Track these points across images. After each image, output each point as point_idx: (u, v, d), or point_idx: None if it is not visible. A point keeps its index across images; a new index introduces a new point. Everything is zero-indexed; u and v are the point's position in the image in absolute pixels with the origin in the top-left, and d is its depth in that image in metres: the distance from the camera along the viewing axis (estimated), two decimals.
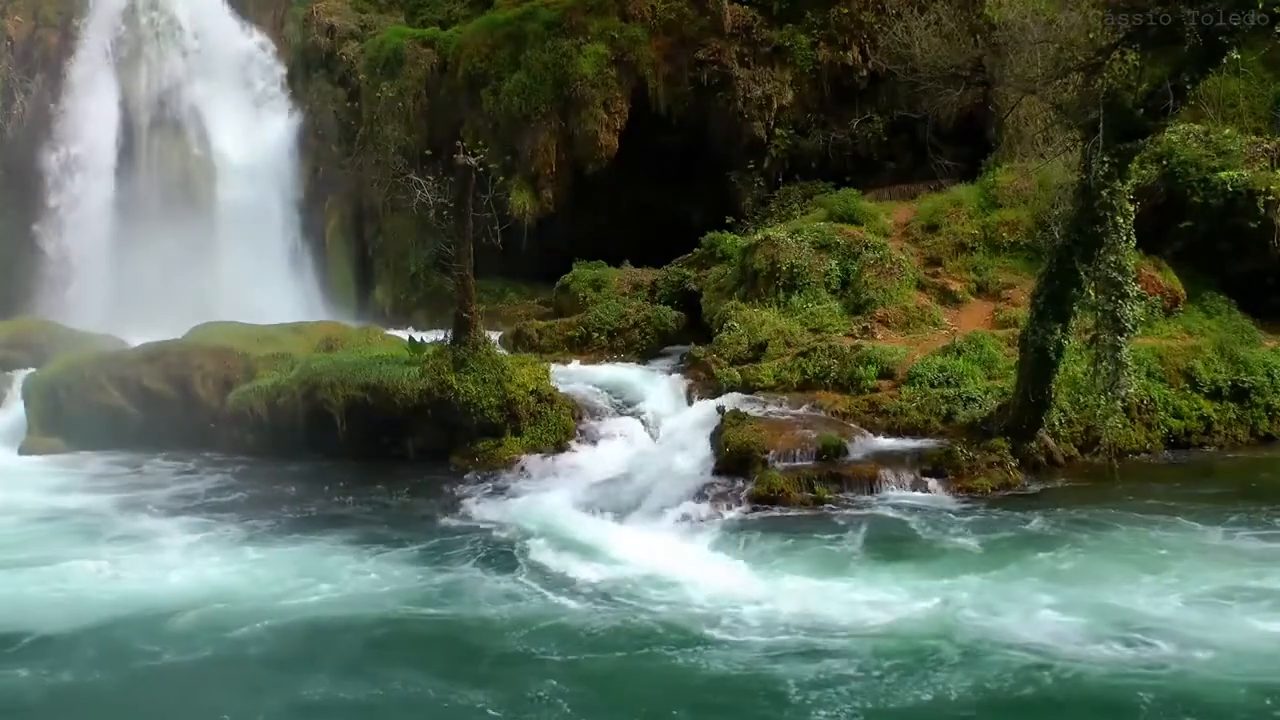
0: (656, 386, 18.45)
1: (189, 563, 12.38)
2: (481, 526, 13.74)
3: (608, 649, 9.96)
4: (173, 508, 14.62)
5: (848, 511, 13.82)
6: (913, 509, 13.80)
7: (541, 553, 12.56)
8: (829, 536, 12.89)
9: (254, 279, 25.91)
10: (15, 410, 18.90)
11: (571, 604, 11.04)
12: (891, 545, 12.58)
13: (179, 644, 10.13)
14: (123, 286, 26.18)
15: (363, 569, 12.13)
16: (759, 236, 20.82)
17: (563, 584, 11.62)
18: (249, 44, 29.17)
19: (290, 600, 11.17)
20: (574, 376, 18.95)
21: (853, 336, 18.60)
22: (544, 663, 9.73)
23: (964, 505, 13.97)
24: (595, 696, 9.12)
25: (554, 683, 9.29)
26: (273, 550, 12.79)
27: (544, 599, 11.21)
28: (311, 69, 29.12)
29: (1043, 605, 10.64)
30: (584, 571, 11.92)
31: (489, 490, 15.20)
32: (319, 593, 11.40)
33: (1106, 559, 11.91)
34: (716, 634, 10.22)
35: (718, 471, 14.93)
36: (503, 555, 12.62)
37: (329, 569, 12.09)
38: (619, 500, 14.32)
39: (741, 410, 16.05)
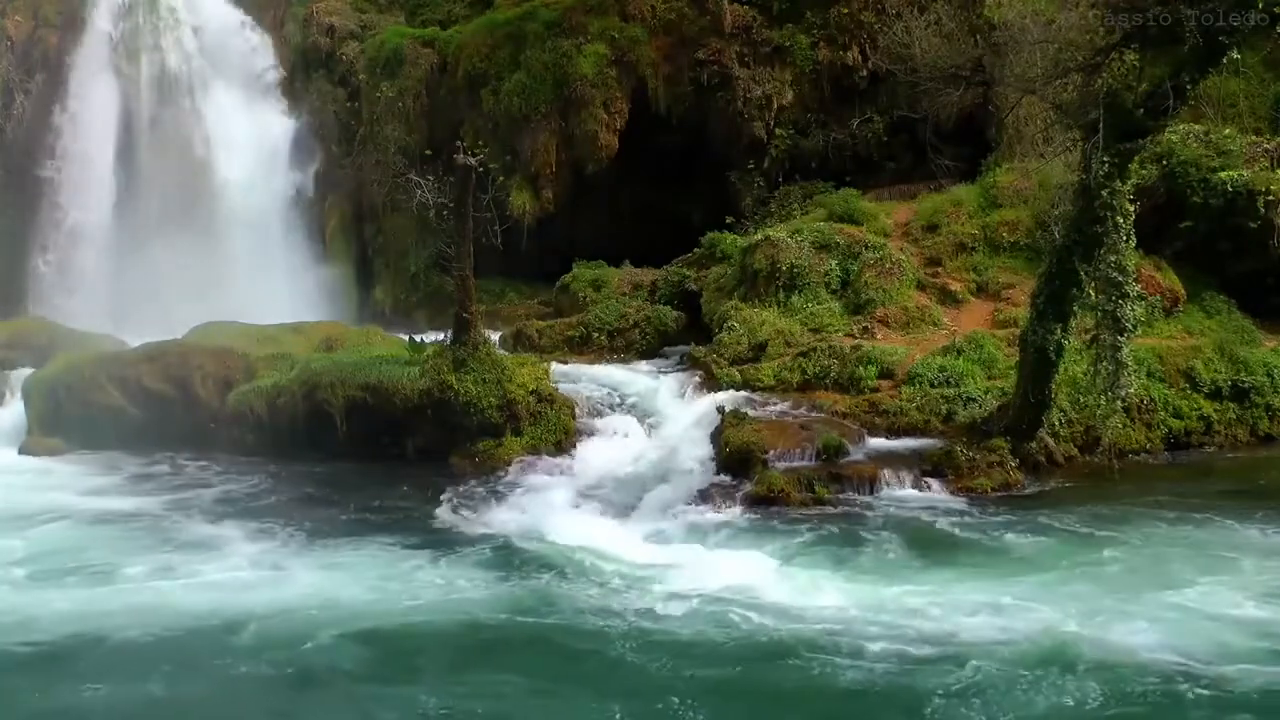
0: (656, 386, 18.44)
1: (248, 568, 12.17)
2: (483, 528, 13.72)
3: (664, 655, 9.77)
4: (218, 512, 14.42)
5: (852, 511, 13.82)
6: (915, 509, 13.80)
7: (548, 554, 12.51)
8: (849, 535, 12.90)
9: (254, 279, 25.92)
10: (15, 410, 18.88)
11: (604, 609, 10.84)
12: (922, 547, 12.50)
13: (256, 654, 9.83)
14: (123, 286, 26.20)
15: (393, 574, 11.99)
16: (759, 236, 20.82)
17: (580, 586, 11.48)
18: (250, 44, 29.18)
19: (339, 609, 11.00)
20: (574, 376, 18.94)
21: (853, 336, 18.60)
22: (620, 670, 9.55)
23: (969, 505, 13.97)
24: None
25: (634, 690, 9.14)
26: (319, 556, 12.60)
27: (563, 602, 11.06)
28: (311, 69, 29.14)
29: (1111, 608, 10.54)
30: (600, 575, 11.79)
31: (490, 491, 15.16)
32: (365, 599, 11.22)
33: (1152, 558, 11.86)
34: (812, 641, 9.95)
35: (718, 471, 14.94)
36: (507, 556, 12.59)
37: (364, 575, 11.94)
38: (620, 500, 14.31)
39: (741, 410, 16.05)
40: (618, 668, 9.64)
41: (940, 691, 8.93)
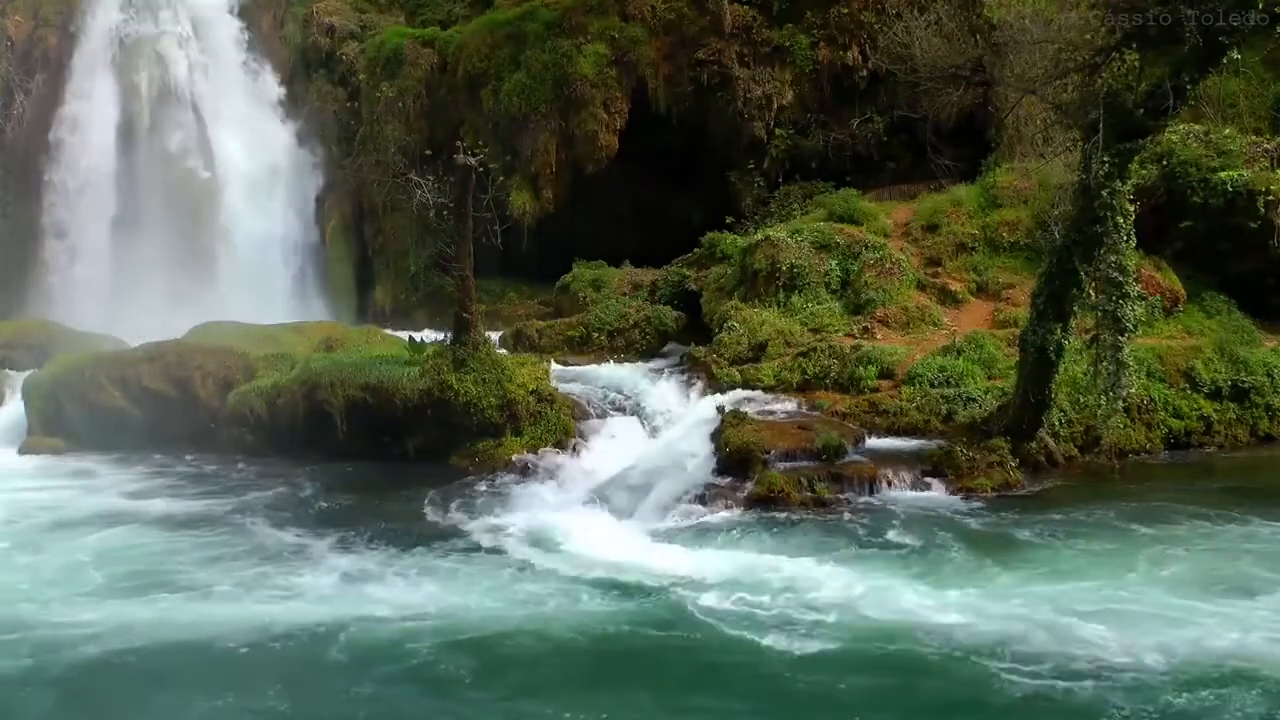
0: (656, 386, 18.43)
1: (317, 575, 11.99)
2: (482, 528, 13.72)
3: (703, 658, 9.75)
4: (278, 518, 14.17)
5: (852, 511, 13.80)
6: (915, 509, 13.78)
7: (557, 557, 12.47)
8: (850, 536, 12.90)
9: (254, 278, 25.94)
10: (15, 410, 18.89)
11: (625, 613, 10.74)
12: (922, 546, 12.49)
13: (358, 665, 9.68)
14: (123, 286, 26.21)
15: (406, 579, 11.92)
16: (759, 236, 20.82)
17: (597, 591, 11.41)
18: (250, 44, 29.19)
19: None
20: (574, 376, 18.94)
21: (853, 336, 18.60)
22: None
23: (969, 505, 13.95)
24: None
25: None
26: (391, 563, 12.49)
27: (570, 607, 10.98)
28: (311, 69, 29.15)
29: (1108, 606, 10.50)
30: (612, 577, 11.70)
31: (490, 491, 15.16)
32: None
33: (1152, 558, 11.84)
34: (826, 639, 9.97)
35: (718, 471, 14.92)
36: (508, 558, 12.58)
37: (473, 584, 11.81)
38: (620, 501, 14.28)
39: (741, 410, 16.05)
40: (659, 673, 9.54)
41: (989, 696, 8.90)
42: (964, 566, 11.81)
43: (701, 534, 13.17)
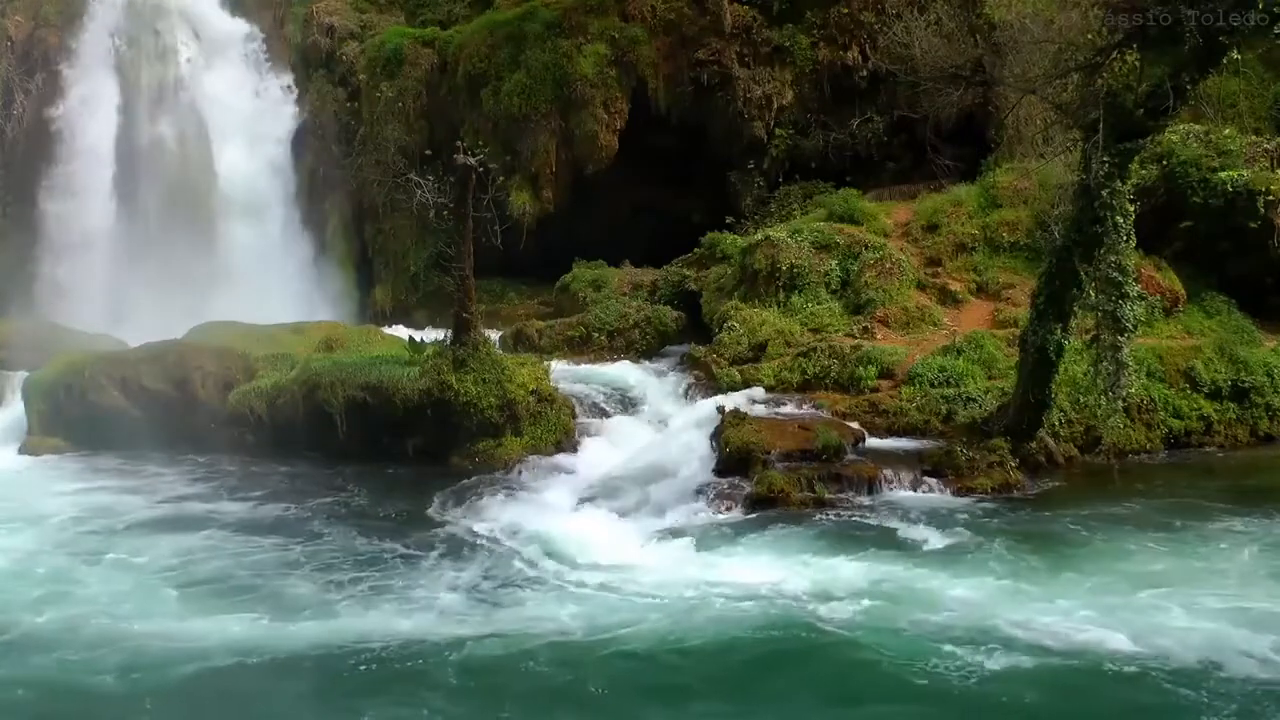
0: (656, 387, 18.45)
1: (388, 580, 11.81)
2: (481, 529, 13.71)
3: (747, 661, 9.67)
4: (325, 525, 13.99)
5: (852, 511, 13.81)
6: (915, 509, 13.77)
7: (563, 558, 12.42)
8: (850, 535, 12.89)
9: (253, 279, 25.91)
10: (15, 410, 18.89)
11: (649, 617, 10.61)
12: (923, 546, 12.52)
13: (481, 675, 9.56)
14: (123, 286, 26.18)
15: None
16: (759, 236, 20.82)
17: (613, 595, 11.36)
18: (249, 44, 29.18)
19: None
20: (574, 376, 18.94)
21: (853, 336, 18.60)
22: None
23: (969, 505, 13.95)
24: None
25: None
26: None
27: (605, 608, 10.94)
28: (311, 69, 29.12)
29: (1104, 605, 10.55)
30: (626, 582, 11.64)
31: (490, 491, 15.14)
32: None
33: (1153, 558, 11.91)
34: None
35: (718, 471, 14.92)
36: (514, 561, 12.58)
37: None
38: (620, 501, 14.28)
39: (741, 410, 16.04)
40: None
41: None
42: (966, 565, 11.80)
43: (701, 535, 13.14)
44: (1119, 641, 9.73)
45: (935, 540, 12.65)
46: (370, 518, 14.24)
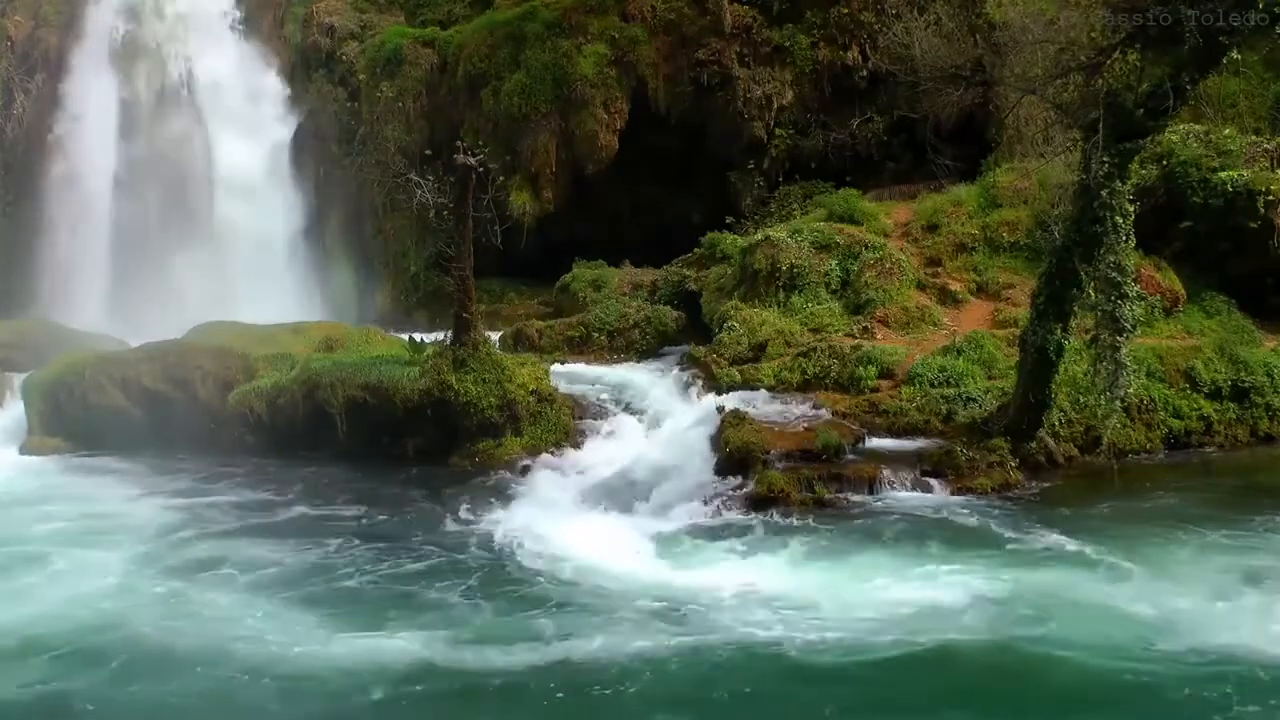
0: (656, 386, 18.44)
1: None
2: (481, 529, 13.73)
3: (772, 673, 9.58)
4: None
5: (852, 511, 13.80)
6: (915, 509, 13.76)
7: (568, 560, 12.39)
8: (851, 536, 12.85)
9: (254, 279, 25.92)
10: (15, 410, 18.89)
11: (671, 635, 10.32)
12: (923, 546, 12.49)
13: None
14: (123, 286, 26.21)
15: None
16: (759, 236, 20.82)
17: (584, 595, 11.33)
18: (249, 45, 29.19)
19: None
20: (574, 376, 18.94)
21: (853, 336, 18.59)
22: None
23: (969, 505, 13.92)
24: None
25: None
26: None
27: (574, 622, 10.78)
28: (311, 69, 29.14)
29: (1105, 603, 10.56)
30: (636, 590, 11.48)
31: (490, 491, 15.14)
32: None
33: (1151, 557, 11.88)
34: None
35: (718, 472, 14.90)
36: (517, 561, 12.57)
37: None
38: (620, 501, 14.28)
39: (741, 410, 16.04)
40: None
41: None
42: (966, 565, 11.79)
43: (701, 535, 13.15)
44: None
45: (929, 541, 12.62)
46: (371, 519, 14.23)
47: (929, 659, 9.66)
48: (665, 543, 12.89)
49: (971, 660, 9.62)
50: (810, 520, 13.47)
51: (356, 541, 13.23)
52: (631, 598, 11.18)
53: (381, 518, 14.27)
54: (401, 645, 10.21)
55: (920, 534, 12.89)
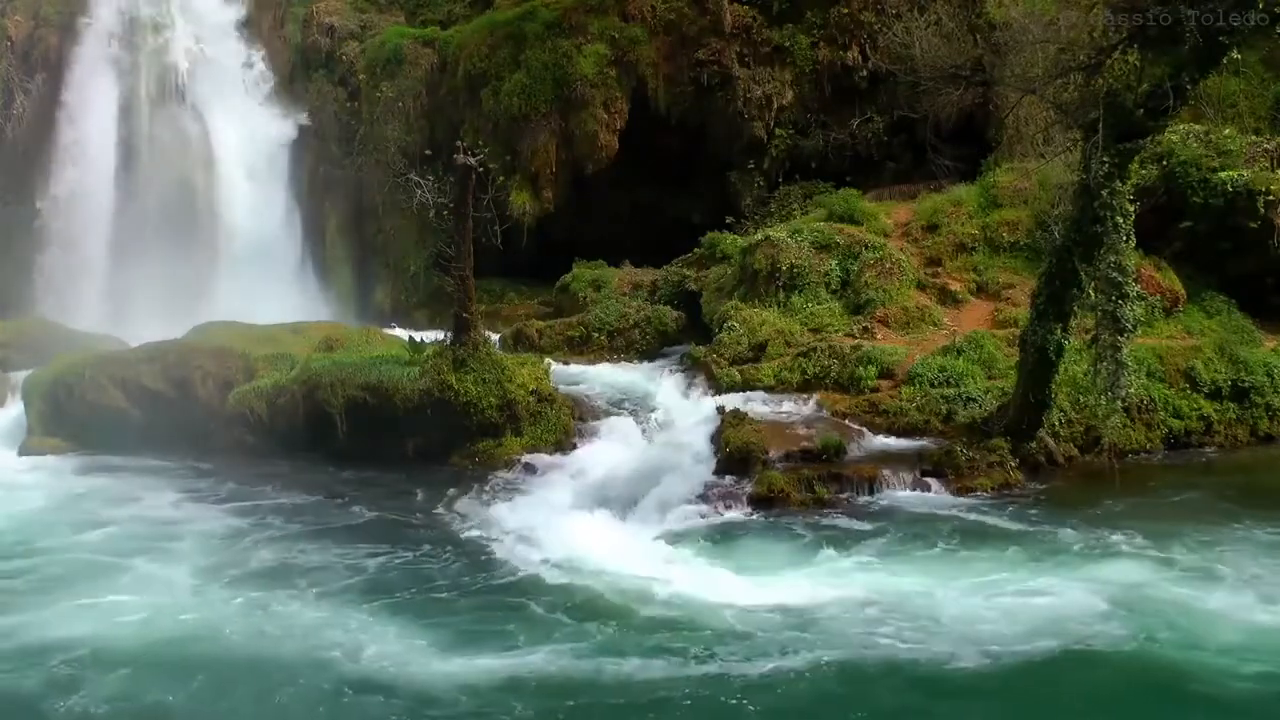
0: (656, 387, 18.44)
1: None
2: (481, 529, 13.72)
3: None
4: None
5: (852, 511, 13.81)
6: (915, 509, 13.78)
7: (569, 561, 12.38)
8: (851, 536, 12.86)
9: (254, 279, 25.92)
10: (15, 410, 18.88)
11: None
12: (924, 546, 12.50)
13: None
14: (123, 287, 26.20)
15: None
16: (759, 236, 20.82)
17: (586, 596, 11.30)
18: (249, 45, 29.19)
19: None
20: (574, 377, 18.93)
21: (853, 336, 18.59)
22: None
23: (969, 505, 13.93)
24: None
25: None
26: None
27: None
28: (311, 69, 29.13)
29: (1105, 603, 10.60)
30: (638, 591, 11.42)
31: (490, 491, 15.13)
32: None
33: (1153, 556, 11.94)
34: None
35: (718, 471, 14.91)
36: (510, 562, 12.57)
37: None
38: (620, 501, 14.27)
39: (741, 410, 16.04)
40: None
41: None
42: (967, 565, 11.79)
43: (701, 535, 13.14)
44: None
45: (930, 541, 12.66)
46: (372, 521, 14.20)
47: (927, 662, 9.66)
48: (665, 543, 12.88)
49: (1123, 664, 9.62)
50: (809, 520, 13.46)
51: (356, 541, 13.22)
52: (632, 598, 11.18)
53: (376, 515, 14.26)
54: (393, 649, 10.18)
55: (917, 533, 12.90)
